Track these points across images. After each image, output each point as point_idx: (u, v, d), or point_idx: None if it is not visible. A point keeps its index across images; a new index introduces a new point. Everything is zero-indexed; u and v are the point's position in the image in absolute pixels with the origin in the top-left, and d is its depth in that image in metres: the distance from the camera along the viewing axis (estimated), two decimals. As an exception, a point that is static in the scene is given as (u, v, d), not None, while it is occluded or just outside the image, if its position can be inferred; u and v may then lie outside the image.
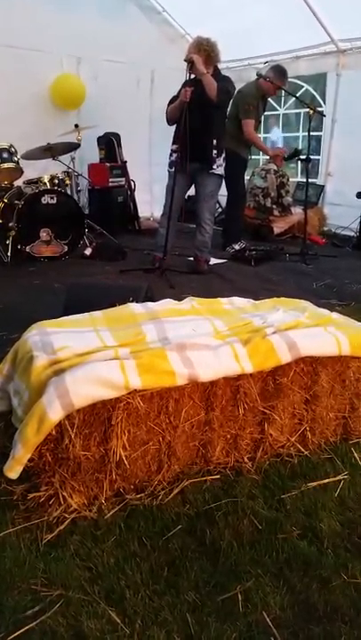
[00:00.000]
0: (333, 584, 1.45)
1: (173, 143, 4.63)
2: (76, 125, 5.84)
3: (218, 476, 1.90)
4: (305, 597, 1.42)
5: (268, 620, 1.34)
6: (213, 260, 5.01)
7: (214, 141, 4.56)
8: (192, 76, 4.33)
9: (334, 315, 2.39)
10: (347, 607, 1.38)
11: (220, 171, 4.68)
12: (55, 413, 1.60)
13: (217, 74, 4.47)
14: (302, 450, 2.06)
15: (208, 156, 4.56)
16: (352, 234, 6.22)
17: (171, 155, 4.65)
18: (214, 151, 4.57)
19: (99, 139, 6.61)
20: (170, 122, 4.59)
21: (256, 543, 1.60)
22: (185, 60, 4.30)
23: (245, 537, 1.62)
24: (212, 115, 4.45)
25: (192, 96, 4.22)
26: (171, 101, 4.55)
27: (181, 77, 4.60)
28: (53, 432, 1.64)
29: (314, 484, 1.88)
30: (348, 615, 1.36)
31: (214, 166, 4.61)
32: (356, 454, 2.06)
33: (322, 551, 1.58)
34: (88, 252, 5.19)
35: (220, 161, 4.65)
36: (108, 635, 1.28)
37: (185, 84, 4.34)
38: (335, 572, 1.49)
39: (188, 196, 5.05)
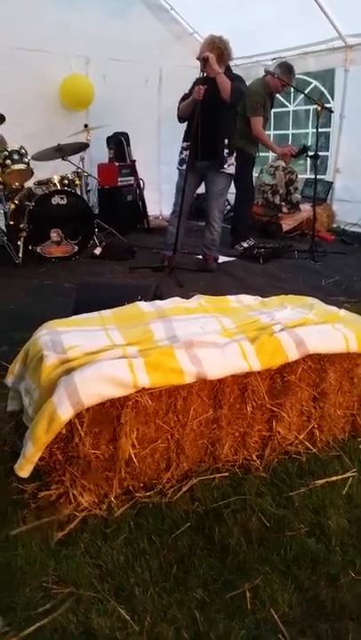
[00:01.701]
0: (341, 581, 1.46)
1: (184, 141, 4.63)
2: (86, 125, 5.87)
3: (226, 474, 1.91)
4: (313, 595, 1.42)
5: (276, 617, 1.34)
6: (222, 258, 5.02)
7: (226, 140, 4.55)
8: (204, 75, 4.31)
9: (342, 312, 2.39)
10: (355, 604, 1.39)
11: (231, 170, 4.68)
12: (65, 412, 1.62)
13: (229, 72, 4.47)
14: (310, 447, 2.06)
15: (219, 154, 4.56)
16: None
17: (181, 152, 4.65)
18: (226, 150, 4.57)
19: (108, 138, 6.63)
20: (181, 119, 4.59)
21: (264, 541, 1.61)
22: (198, 59, 4.29)
23: (254, 534, 1.63)
24: (224, 114, 4.45)
25: (205, 94, 4.22)
26: (183, 99, 4.54)
27: (190, 75, 4.62)
28: (63, 431, 1.65)
29: (322, 481, 1.88)
30: (356, 612, 1.36)
31: (225, 165, 4.61)
32: (364, 452, 2.06)
33: (330, 549, 1.58)
34: (98, 251, 5.21)
35: (231, 160, 4.65)
36: (117, 632, 1.29)
37: (197, 82, 4.34)
38: (343, 570, 1.50)
39: (198, 194, 5.05)
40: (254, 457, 2.00)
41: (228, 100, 4.34)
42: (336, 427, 2.15)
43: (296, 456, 2.02)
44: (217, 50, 4.34)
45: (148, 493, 1.80)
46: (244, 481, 1.88)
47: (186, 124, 4.60)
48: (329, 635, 1.30)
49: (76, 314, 2.27)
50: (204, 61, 4.24)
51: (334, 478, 1.90)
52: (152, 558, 1.53)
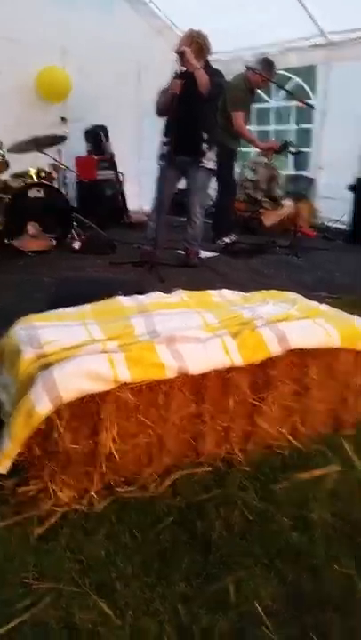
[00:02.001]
0: (325, 574, 1.46)
1: (165, 135, 4.61)
2: (63, 118, 5.79)
3: (209, 469, 1.90)
4: (296, 587, 1.42)
5: (259, 609, 1.34)
6: (204, 254, 5.00)
7: (205, 135, 4.54)
8: (183, 69, 4.29)
9: (324, 307, 2.40)
10: (337, 596, 1.39)
11: (211, 165, 4.67)
12: (43, 407, 1.59)
13: (208, 67, 4.45)
14: (293, 441, 2.07)
15: (198, 149, 4.54)
16: (343, 227, 6.23)
17: (162, 147, 4.63)
18: (205, 145, 4.55)
19: (86, 131, 6.56)
20: (159, 113, 4.56)
21: (247, 534, 1.61)
22: (176, 52, 4.27)
23: (236, 528, 1.63)
24: (202, 108, 4.43)
25: (183, 89, 4.19)
26: (162, 92, 4.52)
27: (169, 69, 4.58)
28: (42, 426, 1.63)
29: (305, 475, 1.88)
30: (340, 604, 1.37)
31: (205, 160, 4.60)
32: (346, 446, 2.06)
33: (313, 541, 1.58)
34: (77, 245, 5.15)
35: (211, 155, 4.64)
36: (99, 626, 1.28)
37: (176, 76, 4.31)
38: (326, 562, 1.50)
39: (179, 190, 5.03)
40: (237, 451, 1.99)
41: (206, 93, 4.32)
42: (319, 421, 2.16)
43: (279, 450, 2.02)
44: (195, 44, 4.32)
45: (129, 488, 1.78)
46: (227, 475, 1.88)
47: (166, 118, 4.57)
48: (312, 627, 1.30)
49: (54, 309, 2.23)
50: (180, 55, 4.23)
51: (317, 472, 1.90)
52: (134, 553, 1.52)
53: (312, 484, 1.84)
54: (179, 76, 4.24)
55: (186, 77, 4.23)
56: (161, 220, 4.52)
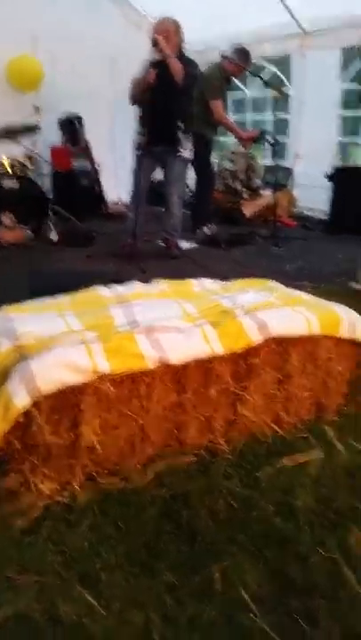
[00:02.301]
0: (310, 559, 1.46)
1: (140, 125, 4.56)
2: (36, 107, 5.69)
3: (193, 458, 1.89)
4: (282, 574, 1.42)
5: (246, 597, 1.34)
6: (184, 245, 4.98)
7: (180, 124, 4.50)
8: (157, 58, 4.24)
9: (304, 295, 2.40)
10: (324, 581, 1.39)
11: (188, 154, 4.64)
12: (21, 400, 1.56)
13: (182, 56, 4.41)
14: (277, 429, 2.07)
15: (174, 138, 4.51)
16: (322, 216, 6.26)
17: (137, 136, 4.58)
18: (180, 134, 4.52)
19: (60, 121, 6.45)
20: (133, 102, 4.51)
21: (232, 522, 1.60)
22: (151, 40, 4.21)
23: (221, 516, 1.62)
24: (177, 97, 4.39)
25: (157, 78, 4.15)
26: (135, 81, 4.46)
27: (143, 57, 4.52)
28: (21, 419, 1.59)
29: (289, 461, 1.88)
30: (325, 589, 1.37)
31: (181, 149, 4.56)
32: (329, 432, 2.07)
33: (298, 528, 1.58)
34: (54, 237, 5.09)
35: (188, 144, 4.60)
36: (84, 617, 1.26)
37: (149, 65, 4.27)
38: (312, 548, 1.50)
39: (157, 180, 4.99)
40: (221, 440, 1.98)
41: (180, 82, 4.29)
42: (302, 408, 2.16)
43: (262, 438, 2.02)
44: (169, 33, 4.28)
45: (112, 479, 1.76)
46: (211, 464, 1.87)
47: (140, 108, 4.53)
48: (299, 611, 1.30)
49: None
50: (154, 44, 4.17)
51: (301, 459, 1.90)
52: (118, 543, 1.50)
53: (296, 471, 1.84)
54: (153, 64, 4.20)
55: (160, 66, 4.19)
56: (139, 210, 4.48)
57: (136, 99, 4.43)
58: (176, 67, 4.24)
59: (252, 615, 1.28)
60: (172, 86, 4.26)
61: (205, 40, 6.57)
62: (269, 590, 1.36)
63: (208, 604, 1.32)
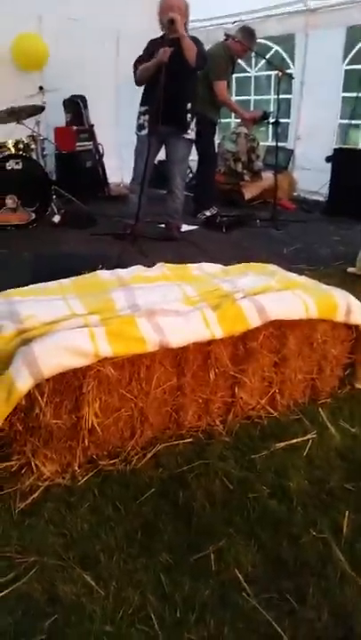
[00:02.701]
0: (303, 540, 1.50)
1: (142, 105, 4.51)
2: (41, 87, 5.64)
3: (190, 440, 1.93)
4: (275, 554, 1.46)
5: (240, 577, 1.38)
6: (185, 227, 4.97)
7: (189, 105, 4.47)
8: (168, 36, 4.15)
9: (302, 279, 2.41)
10: (315, 561, 1.43)
11: (192, 135, 4.60)
12: (24, 383, 1.58)
13: (190, 36, 4.35)
14: (272, 411, 2.10)
15: (183, 119, 4.46)
16: (321, 199, 6.22)
17: (139, 117, 4.53)
18: (189, 115, 4.48)
19: (64, 101, 6.40)
20: (140, 83, 4.44)
21: (228, 503, 1.64)
22: (166, 20, 4.12)
23: (217, 497, 1.66)
24: (188, 77, 4.34)
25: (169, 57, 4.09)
26: (138, 61, 4.40)
27: (146, 37, 4.46)
28: (23, 402, 1.62)
29: (283, 444, 1.92)
30: (317, 568, 1.41)
31: (188, 130, 4.53)
32: (323, 414, 2.10)
33: (291, 509, 1.62)
34: (57, 219, 5.08)
35: (193, 125, 4.57)
36: (82, 597, 1.30)
37: (156, 44, 4.20)
38: (304, 529, 1.54)
39: (159, 161, 4.96)
40: (217, 422, 2.02)
41: (194, 63, 4.23)
42: (297, 391, 2.19)
43: (258, 420, 2.06)
44: (179, 11, 4.21)
45: (112, 461, 1.80)
46: (208, 446, 1.90)
47: (143, 87, 4.47)
48: (291, 590, 1.34)
49: (32, 284, 2.21)
50: (170, 23, 4.10)
51: (295, 441, 1.94)
52: (117, 525, 1.54)
53: (290, 453, 1.88)
54: (162, 43, 4.13)
55: (172, 45, 4.12)
56: (143, 192, 4.46)
57: (144, 78, 4.36)
58: (191, 47, 4.18)
59: (245, 594, 1.32)
60: (183, 66, 4.20)
61: (210, 18, 6.49)
62: (263, 570, 1.40)
63: (203, 583, 1.36)
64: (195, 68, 4.30)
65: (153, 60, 4.20)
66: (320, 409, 2.15)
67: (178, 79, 4.18)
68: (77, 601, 1.29)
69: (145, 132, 4.45)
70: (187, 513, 1.60)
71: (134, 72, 4.41)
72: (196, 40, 4.33)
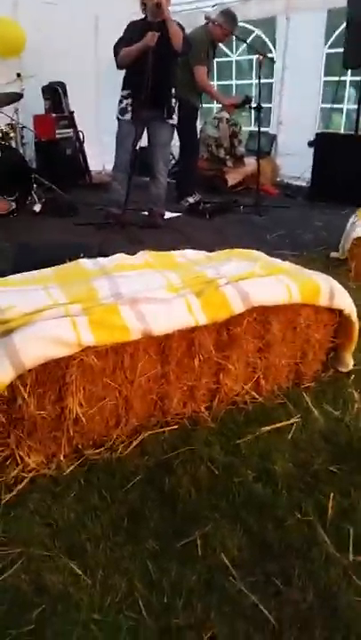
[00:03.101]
0: (288, 523, 1.51)
1: (124, 89, 4.45)
2: (19, 74, 5.55)
3: (175, 427, 1.93)
4: (261, 537, 1.47)
5: (226, 561, 1.38)
6: (168, 214, 4.95)
7: (173, 90, 4.43)
8: (155, 21, 4.10)
9: (286, 264, 2.41)
10: (300, 543, 1.45)
11: (174, 120, 4.57)
12: (5, 375, 1.57)
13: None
14: (256, 397, 2.11)
15: (168, 104, 4.43)
16: (304, 184, 6.22)
17: (121, 101, 4.47)
18: (173, 100, 4.44)
19: (43, 88, 6.30)
20: (121, 66, 4.38)
21: (213, 488, 1.64)
22: (154, 4, 4.06)
23: (203, 483, 1.66)
24: (171, 62, 4.30)
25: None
26: (118, 44, 4.33)
27: (127, 20, 4.40)
28: (5, 393, 1.61)
29: (268, 428, 1.93)
30: (302, 550, 1.43)
31: (172, 115, 4.49)
32: (307, 398, 2.12)
33: (276, 492, 1.63)
34: (37, 208, 5.03)
35: (175, 110, 4.53)
36: (69, 586, 1.30)
37: (137, 27, 4.14)
38: (289, 512, 1.55)
39: (140, 147, 4.91)
40: (203, 409, 2.02)
41: (180, 48, 4.20)
42: (280, 376, 2.20)
43: (243, 406, 2.07)
44: None
45: (97, 450, 1.79)
46: (193, 432, 1.91)
47: (125, 71, 4.41)
48: (276, 573, 1.36)
49: (12, 274, 2.18)
50: (157, 6, 4.04)
51: (279, 425, 1.95)
52: (103, 513, 1.54)
53: (275, 437, 1.89)
54: (156, 28, 4.07)
55: (157, 29, 4.07)
56: (126, 179, 4.41)
57: (125, 62, 4.30)
58: (177, 32, 4.14)
59: (231, 579, 1.33)
60: (168, 51, 4.15)
61: (189, 1, 6.41)
62: (248, 554, 1.41)
63: (190, 568, 1.36)
64: (180, 54, 4.26)
65: (138, 43, 4.15)
66: (304, 393, 2.16)
67: (163, 64, 4.14)
68: (64, 590, 1.29)
69: (128, 116, 4.41)
70: (172, 499, 1.60)
71: (115, 55, 4.35)
72: (179, 25, 4.28)
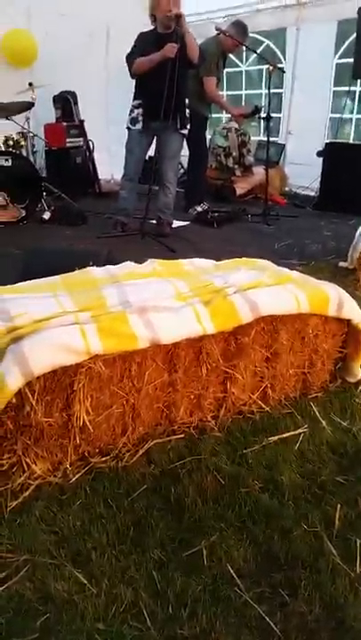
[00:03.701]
0: (294, 534, 1.50)
1: (135, 98, 4.49)
2: (30, 84, 5.60)
3: (182, 436, 1.93)
4: (267, 548, 1.46)
5: (231, 571, 1.38)
6: (176, 223, 4.96)
7: (186, 100, 4.46)
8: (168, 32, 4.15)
9: (294, 273, 2.41)
10: (306, 554, 1.44)
11: (185, 130, 4.60)
12: (14, 381, 1.57)
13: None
14: (264, 406, 2.10)
15: (181, 115, 4.46)
16: (312, 193, 6.23)
17: (132, 111, 4.50)
18: (187, 110, 4.48)
19: (54, 97, 6.36)
20: (135, 75, 4.41)
21: (220, 498, 1.64)
22: (173, 15, 4.09)
23: (209, 492, 1.66)
24: (186, 73, 4.34)
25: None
26: (132, 54, 4.36)
27: (137, 31, 4.44)
28: (14, 400, 1.61)
29: (275, 438, 1.92)
30: (308, 561, 1.42)
31: (184, 126, 4.53)
32: (314, 408, 2.11)
33: (283, 503, 1.62)
34: (47, 216, 5.06)
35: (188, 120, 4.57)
36: (75, 595, 1.30)
37: (148, 38, 4.19)
38: (296, 523, 1.54)
39: (149, 157, 4.94)
40: (209, 418, 2.02)
41: (195, 60, 4.24)
42: (288, 385, 2.20)
43: (250, 415, 2.06)
44: (180, 6, 4.21)
45: (104, 458, 1.79)
46: (200, 441, 1.90)
47: (136, 81, 4.45)
48: (282, 584, 1.35)
49: (22, 281, 2.20)
50: (177, 18, 4.08)
51: (286, 435, 1.94)
52: (109, 522, 1.54)
53: (282, 447, 1.88)
54: (173, 39, 4.11)
55: (173, 41, 4.11)
56: (133, 188, 4.44)
57: (141, 71, 4.31)
58: (194, 44, 4.19)
59: (237, 589, 1.33)
60: (183, 62, 4.19)
61: (200, 12, 6.47)
62: (254, 565, 1.41)
63: (195, 578, 1.36)
64: (196, 65, 4.30)
65: (155, 54, 4.18)
66: (311, 403, 2.15)
67: (178, 75, 4.17)
68: (69, 599, 1.29)
69: (139, 126, 4.44)
70: (178, 509, 1.60)
71: (129, 65, 4.38)
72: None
